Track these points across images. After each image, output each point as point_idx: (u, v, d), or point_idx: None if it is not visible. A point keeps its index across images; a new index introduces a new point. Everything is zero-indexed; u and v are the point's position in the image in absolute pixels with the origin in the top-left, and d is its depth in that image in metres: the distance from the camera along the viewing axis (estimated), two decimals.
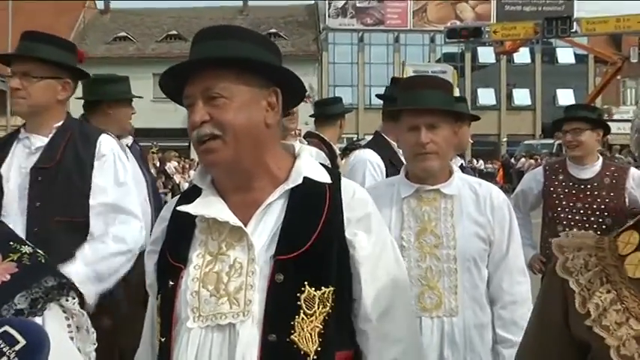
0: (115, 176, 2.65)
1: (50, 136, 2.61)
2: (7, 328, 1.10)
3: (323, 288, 1.37)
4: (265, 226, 1.41)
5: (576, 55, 37.67)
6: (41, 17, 30.44)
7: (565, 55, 38.20)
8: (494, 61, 36.37)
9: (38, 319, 1.26)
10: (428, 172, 2.22)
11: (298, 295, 1.35)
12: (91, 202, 2.59)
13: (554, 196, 3.79)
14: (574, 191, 3.74)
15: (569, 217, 3.70)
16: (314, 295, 1.36)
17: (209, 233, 1.43)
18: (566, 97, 35.83)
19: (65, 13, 33.94)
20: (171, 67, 1.41)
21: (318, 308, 1.36)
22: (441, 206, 2.22)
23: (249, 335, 1.34)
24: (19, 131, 2.70)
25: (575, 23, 20.20)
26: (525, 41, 24.40)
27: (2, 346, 1.08)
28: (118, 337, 2.72)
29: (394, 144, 3.26)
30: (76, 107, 3.82)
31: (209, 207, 1.42)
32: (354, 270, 1.43)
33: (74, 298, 1.32)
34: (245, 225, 1.40)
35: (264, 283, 1.36)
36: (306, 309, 1.35)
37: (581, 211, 3.69)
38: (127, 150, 3.83)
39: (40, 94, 2.57)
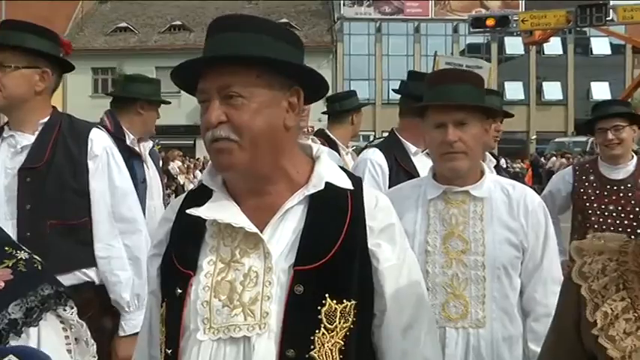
0: (110, 180, 2.66)
1: (36, 133, 2.59)
2: (11, 357, 1.11)
3: (345, 301, 1.36)
4: (283, 233, 1.40)
5: (612, 46, 37.38)
6: (36, 7, 30.71)
7: (600, 46, 37.91)
8: (522, 52, 36.19)
9: (33, 330, 1.26)
10: (455, 172, 2.20)
11: (319, 308, 1.34)
12: (92, 208, 2.62)
13: (585, 198, 3.78)
14: (606, 193, 3.72)
15: (601, 220, 3.69)
16: (335, 309, 1.35)
17: (221, 238, 1.42)
18: (601, 90, 35.58)
19: (62, 2, 34.20)
20: (189, 61, 1.38)
21: (340, 323, 1.35)
22: (469, 209, 2.21)
23: (266, 350, 1.33)
24: (2, 129, 2.68)
25: (611, 11, 20.01)
26: (557, 31, 24.22)
27: None
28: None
29: (408, 144, 3.26)
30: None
31: (222, 211, 1.41)
32: (377, 283, 1.42)
33: (72, 308, 1.32)
34: (261, 231, 1.39)
35: (282, 294, 1.35)
36: (327, 323, 1.34)
37: (614, 214, 3.67)
38: (147, 155, 3.90)
39: (14, 85, 2.53)
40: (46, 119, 2.62)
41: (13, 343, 1.24)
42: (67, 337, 1.29)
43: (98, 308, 2.58)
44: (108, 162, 2.66)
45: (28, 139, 2.59)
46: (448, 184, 2.23)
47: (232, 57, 1.35)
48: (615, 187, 3.71)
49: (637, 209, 3.64)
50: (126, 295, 2.65)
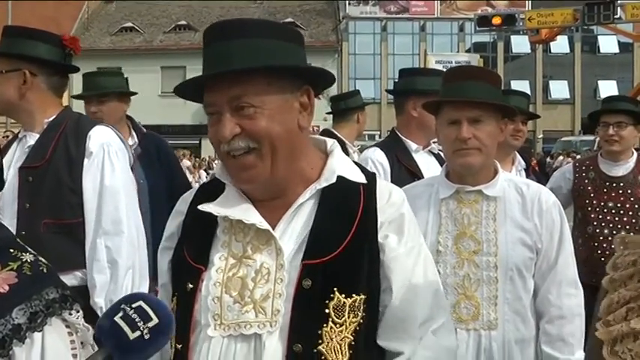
0: (102, 178, 2.60)
1: (41, 132, 2.62)
2: (141, 303, 1.13)
3: (354, 295, 1.35)
4: (294, 229, 1.39)
5: (620, 44, 37.26)
6: (42, 7, 30.85)
7: (608, 44, 37.81)
8: (529, 50, 36.15)
9: (37, 335, 1.23)
10: (468, 168, 2.17)
11: (327, 302, 1.33)
12: (84, 206, 2.58)
13: (584, 194, 3.77)
14: (605, 189, 3.72)
15: (600, 217, 3.69)
16: (344, 303, 1.34)
17: (232, 234, 1.41)
18: (608, 89, 35.40)
19: (68, 2, 34.30)
20: (193, 78, 1.36)
21: (349, 317, 1.34)
22: (482, 209, 2.18)
23: (277, 347, 1.32)
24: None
25: (619, 8, 19.92)
26: (563, 29, 24.16)
27: (137, 320, 1.11)
28: None
29: (409, 142, 3.25)
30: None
31: (233, 207, 1.40)
32: (383, 274, 1.40)
33: (78, 312, 1.29)
34: (273, 227, 1.38)
35: (290, 289, 1.34)
36: (335, 317, 1.33)
37: (613, 211, 3.67)
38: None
39: (2, 88, 2.58)
40: (51, 118, 2.63)
41: (16, 349, 1.21)
42: (72, 341, 1.26)
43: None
44: (102, 159, 2.61)
45: (34, 138, 2.62)
46: (461, 183, 2.21)
47: (248, 69, 1.32)
48: (615, 184, 3.71)
49: (636, 206, 3.64)
50: (99, 300, 2.54)
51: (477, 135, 2.12)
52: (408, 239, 1.43)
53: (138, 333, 1.10)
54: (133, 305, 1.13)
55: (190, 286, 1.39)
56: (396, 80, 3.63)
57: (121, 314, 1.12)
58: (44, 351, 1.24)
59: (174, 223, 1.52)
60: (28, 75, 2.60)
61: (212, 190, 1.46)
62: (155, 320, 1.12)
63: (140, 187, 3.16)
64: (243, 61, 1.32)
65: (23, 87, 2.60)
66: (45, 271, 1.31)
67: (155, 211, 3.53)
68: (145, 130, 4.02)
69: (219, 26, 1.40)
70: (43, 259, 1.34)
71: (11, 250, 1.31)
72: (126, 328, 1.10)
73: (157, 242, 3.12)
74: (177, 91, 1.44)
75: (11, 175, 2.58)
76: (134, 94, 4.11)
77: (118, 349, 1.10)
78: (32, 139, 2.62)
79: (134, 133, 3.90)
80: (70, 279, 2.47)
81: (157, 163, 3.85)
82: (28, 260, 1.30)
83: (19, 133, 2.75)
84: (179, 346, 1.40)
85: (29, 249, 1.35)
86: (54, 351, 1.24)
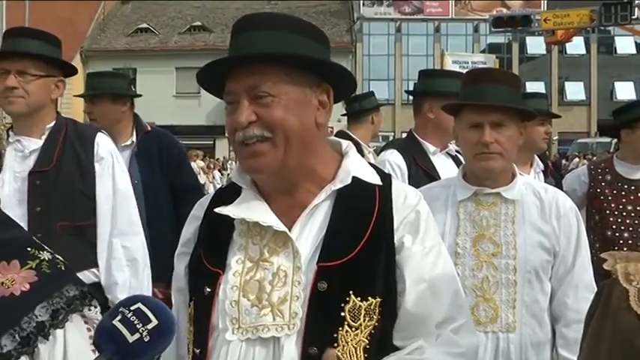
0: (114, 183, 2.76)
1: (44, 137, 2.69)
2: (139, 305, 1.13)
3: (370, 298, 1.34)
4: (310, 231, 1.39)
5: (637, 45, 36.95)
6: (59, 8, 31.06)
7: (625, 45, 37.49)
8: (544, 52, 35.84)
9: (60, 332, 1.25)
10: (488, 172, 2.17)
11: (342, 305, 1.32)
12: (97, 209, 2.71)
13: (602, 198, 3.73)
14: (623, 192, 3.68)
15: (619, 220, 3.65)
16: (360, 306, 1.33)
17: (249, 237, 1.41)
18: (625, 90, 35.19)
19: (84, 3, 34.55)
20: (215, 61, 1.37)
21: (364, 321, 1.33)
22: (501, 211, 2.18)
23: (294, 350, 1.31)
24: (7, 135, 2.72)
25: (636, 9, 19.77)
26: (580, 30, 24.02)
27: (136, 322, 1.11)
28: None
29: (426, 144, 3.23)
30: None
31: (250, 209, 1.40)
32: (399, 275, 1.38)
33: (96, 307, 1.32)
34: (289, 229, 1.38)
35: (307, 291, 1.34)
36: (350, 321, 1.32)
37: (632, 214, 3.64)
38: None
39: (37, 93, 2.64)
40: (52, 124, 2.72)
41: (40, 346, 1.23)
42: (91, 337, 1.28)
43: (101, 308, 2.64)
44: (113, 165, 2.77)
45: (35, 143, 2.69)
46: (479, 185, 2.21)
47: (263, 55, 1.34)
48: (633, 187, 3.68)
49: None
50: (121, 296, 2.66)
51: (499, 139, 2.13)
52: (426, 238, 1.41)
53: (137, 335, 1.10)
54: (132, 308, 1.13)
55: (208, 290, 1.39)
56: (412, 81, 3.62)
57: (119, 317, 1.12)
58: (66, 347, 1.26)
59: (190, 229, 1.52)
60: (64, 82, 2.75)
61: (229, 194, 1.46)
62: (154, 322, 1.12)
63: (134, 187, 3.20)
64: (266, 49, 1.34)
65: (55, 93, 2.71)
66: (63, 268, 1.33)
67: (152, 211, 3.56)
68: (149, 128, 3.97)
69: (247, 18, 1.41)
70: (59, 257, 1.35)
71: (29, 249, 1.32)
72: (124, 331, 1.10)
73: (154, 241, 3.25)
74: (199, 81, 1.45)
75: (9, 180, 2.64)
76: (137, 96, 4.08)
77: (118, 353, 1.10)
78: (31, 143, 2.68)
79: (135, 133, 3.86)
80: (85, 276, 2.61)
81: (158, 163, 3.82)
82: (46, 258, 1.31)
83: None
84: (197, 351, 1.40)
85: (46, 247, 1.36)
86: (75, 347, 1.26)
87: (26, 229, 2.51)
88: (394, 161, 3.16)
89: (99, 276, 2.72)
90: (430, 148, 3.23)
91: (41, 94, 2.65)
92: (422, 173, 3.10)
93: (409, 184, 3.03)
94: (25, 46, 2.65)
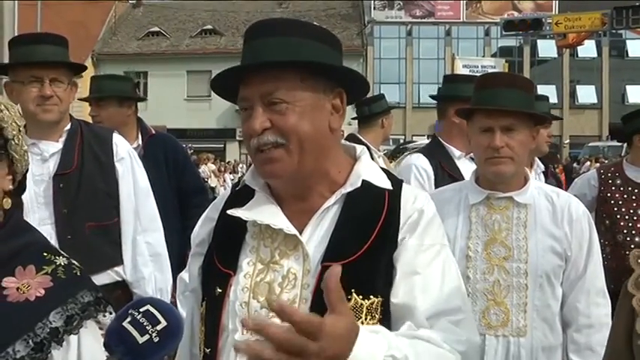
0: (135, 181, 2.84)
1: (61, 140, 2.73)
2: (149, 307, 1.15)
3: (371, 297, 1.34)
4: (320, 234, 1.39)
5: None
6: (70, 11, 31.27)
7: (636, 48, 37.28)
8: (555, 55, 35.71)
9: (74, 338, 1.25)
10: (500, 177, 2.17)
11: None
12: (120, 208, 2.78)
13: (612, 202, 3.72)
14: (634, 197, 3.67)
15: (630, 224, 3.64)
16: (362, 305, 1.33)
17: (261, 239, 1.42)
18: (637, 94, 34.96)
19: (96, 6, 34.75)
20: (230, 68, 1.38)
21: (366, 319, 1.33)
22: (513, 216, 2.18)
23: None
24: None
25: None
26: (591, 33, 23.90)
27: (145, 324, 1.13)
28: None
29: (452, 148, 3.23)
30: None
31: (262, 212, 1.41)
32: (394, 269, 1.36)
33: (111, 313, 1.32)
34: (300, 232, 1.38)
35: (310, 290, 1.34)
36: None
37: None
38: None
39: (67, 100, 2.71)
40: (68, 126, 2.77)
41: (54, 352, 1.23)
42: None
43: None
44: (132, 164, 2.85)
45: (54, 146, 2.72)
46: (491, 189, 2.21)
47: (279, 62, 1.34)
48: None
49: None
50: (149, 291, 2.79)
51: (510, 144, 2.12)
52: (424, 236, 1.40)
53: (147, 337, 1.12)
54: (141, 310, 1.15)
55: (219, 290, 1.40)
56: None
57: (129, 319, 1.14)
58: (80, 353, 1.26)
59: (205, 230, 1.53)
60: (77, 85, 2.79)
61: (242, 197, 1.47)
62: (163, 323, 1.14)
63: None
64: (278, 57, 1.34)
65: (74, 96, 2.77)
66: (78, 274, 1.33)
67: (160, 213, 3.58)
68: (153, 131, 3.99)
69: (260, 24, 1.42)
70: (75, 263, 1.36)
71: (45, 254, 1.33)
72: (134, 333, 1.12)
73: None
74: (213, 87, 1.46)
75: (29, 184, 2.63)
76: (142, 99, 4.12)
77: (128, 354, 1.12)
78: (49, 146, 2.71)
79: (140, 136, 3.89)
80: (109, 275, 2.72)
81: (164, 166, 3.84)
82: (62, 264, 1.32)
83: None
84: (207, 350, 1.41)
85: (62, 252, 1.37)
86: (89, 353, 1.27)
87: (54, 231, 2.61)
88: (421, 165, 3.17)
89: (121, 274, 2.78)
90: (455, 152, 3.24)
91: (69, 100, 2.72)
92: (448, 177, 3.08)
93: (436, 188, 3.03)
94: (55, 54, 2.69)
